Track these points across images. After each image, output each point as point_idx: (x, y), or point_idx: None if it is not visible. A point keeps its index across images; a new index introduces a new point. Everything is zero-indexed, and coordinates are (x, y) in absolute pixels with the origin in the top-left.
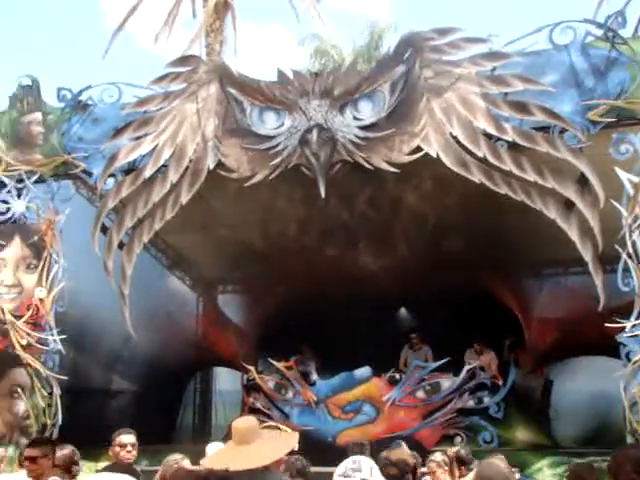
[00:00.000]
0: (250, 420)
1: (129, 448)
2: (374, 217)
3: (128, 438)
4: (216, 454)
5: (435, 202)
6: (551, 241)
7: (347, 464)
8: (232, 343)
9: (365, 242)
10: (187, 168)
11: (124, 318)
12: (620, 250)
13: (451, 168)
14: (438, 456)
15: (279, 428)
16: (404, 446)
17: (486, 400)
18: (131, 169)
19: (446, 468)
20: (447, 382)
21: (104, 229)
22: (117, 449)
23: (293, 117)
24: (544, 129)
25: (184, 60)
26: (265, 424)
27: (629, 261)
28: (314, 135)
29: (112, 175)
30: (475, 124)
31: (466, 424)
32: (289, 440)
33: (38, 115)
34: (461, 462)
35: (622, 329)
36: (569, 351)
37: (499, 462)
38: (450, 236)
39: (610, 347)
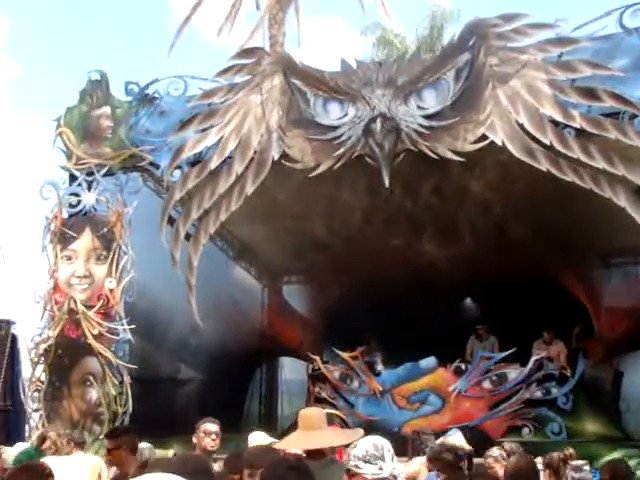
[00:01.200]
0: (317, 409)
1: (213, 437)
2: (439, 206)
3: (213, 427)
4: (287, 439)
5: (501, 191)
6: (620, 229)
7: (367, 447)
8: (297, 333)
9: (430, 231)
10: (252, 159)
11: (191, 308)
12: None
13: (517, 156)
14: (495, 451)
15: (343, 417)
16: (460, 434)
17: (554, 391)
18: (197, 161)
19: (504, 463)
20: (514, 373)
21: (171, 220)
22: (202, 435)
23: (357, 107)
24: (613, 115)
25: (248, 52)
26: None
27: None
28: (378, 125)
29: (178, 167)
30: (541, 111)
31: (534, 415)
32: (355, 432)
33: (107, 109)
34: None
35: None
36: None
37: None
38: (516, 225)
39: None
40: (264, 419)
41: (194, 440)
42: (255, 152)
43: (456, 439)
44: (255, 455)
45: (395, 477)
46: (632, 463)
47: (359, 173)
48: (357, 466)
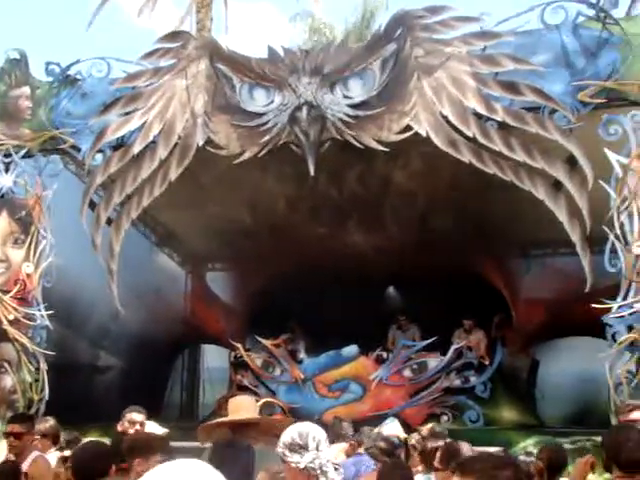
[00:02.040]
0: (249, 397)
1: (138, 427)
2: (363, 195)
3: (138, 416)
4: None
5: (424, 181)
6: (539, 222)
7: (293, 435)
8: (220, 320)
9: (354, 220)
10: (176, 144)
11: (112, 294)
12: (608, 231)
13: (440, 147)
14: (413, 438)
15: (278, 404)
16: (396, 422)
17: (473, 380)
18: (120, 145)
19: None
20: (434, 361)
21: (92, 205)
22: (126, 425)
23: (283, 94)
24: (534, 109)
25: (173, 36)
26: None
27: (616, 242)
28: (304, 113)
29: (100, 151)
30: (465, 103)
31: (452, 403)
32: (286, 421)
33: (26, 89)
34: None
35: (608, 310)
36: (556, 332)
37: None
38: (439, 215)
39: (596, 328)
40: (185, 407)
41: (119, 428)
42: (179, 137)
43: (392, 428)
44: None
45: (320, 467)
46: None
47: (285, 161)
48: (284, 454)
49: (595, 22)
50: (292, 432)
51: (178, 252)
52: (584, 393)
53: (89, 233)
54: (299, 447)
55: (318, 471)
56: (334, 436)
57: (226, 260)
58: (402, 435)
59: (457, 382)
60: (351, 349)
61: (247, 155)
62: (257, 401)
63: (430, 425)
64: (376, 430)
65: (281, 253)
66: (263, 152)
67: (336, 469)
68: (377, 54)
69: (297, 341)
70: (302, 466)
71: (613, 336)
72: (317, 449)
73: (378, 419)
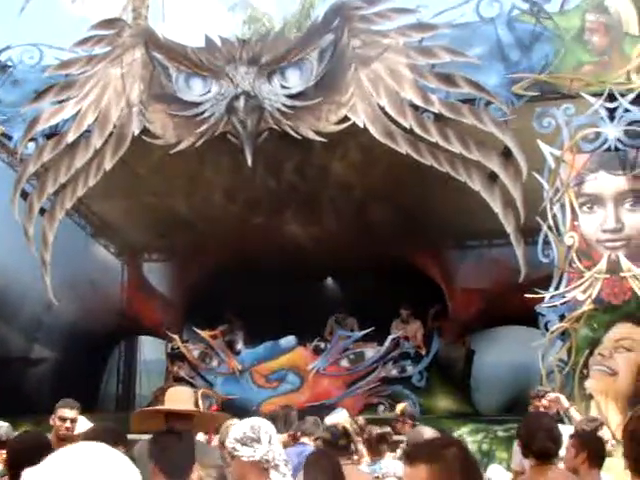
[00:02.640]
0: (186, 388)
1: (68, 424)
2: (301, 186)
3: (70, 413)
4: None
5: (362, 172)
6: (475, 213)
7: (245, 429)
8: (157, 312)
9: (292, 211)
10: (111, 134)
11: (45, 285)
12: (541, 222)
13: (378, 138)
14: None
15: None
16: (344, 412)
17: (409, 369)
18: (53, 133)
19: (358, 439)
20: (371, 351)
21: (24, 194)
22: (57, 422)
23: (220, 84)
24: (470, 101)
25: (108, 23)
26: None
27: (549, 233)
28: (241, 103)
29: (33, 139)
30: (402, 95)
31: (389, 393)
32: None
33: None
34: (411, 417)
35: (541, 300)
36: (491, 321)
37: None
38: (376, 207)
39: (530, 317)
40: (121, 399)
41: (51, 422)
42: (114, 126)
43: (334, 418)
44: None
45: (273, 460)
46: (479, 437)
47: (222, 151)
48: (234, 448)
49: (529, 16)
50: (243, 426)
51: (114, 243)
52: (517, 382)
53: (21, 223)
54: (251, 440)
55: (271, 464)
56: (287, 425)
57: (163, 251)
58: (342, 423)
59: (394, 372)
60: (289, 340)
61: (184, 145)
62: (194, 392)
63: (403, 405)
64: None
65: (218, 244)
66: (200, 142)
67: (286, 464)
68: (315, 44)
69: (235, 332)
70: (257, 458)
71: (545, 325)
72: (269, 442)
73: (316, 409)
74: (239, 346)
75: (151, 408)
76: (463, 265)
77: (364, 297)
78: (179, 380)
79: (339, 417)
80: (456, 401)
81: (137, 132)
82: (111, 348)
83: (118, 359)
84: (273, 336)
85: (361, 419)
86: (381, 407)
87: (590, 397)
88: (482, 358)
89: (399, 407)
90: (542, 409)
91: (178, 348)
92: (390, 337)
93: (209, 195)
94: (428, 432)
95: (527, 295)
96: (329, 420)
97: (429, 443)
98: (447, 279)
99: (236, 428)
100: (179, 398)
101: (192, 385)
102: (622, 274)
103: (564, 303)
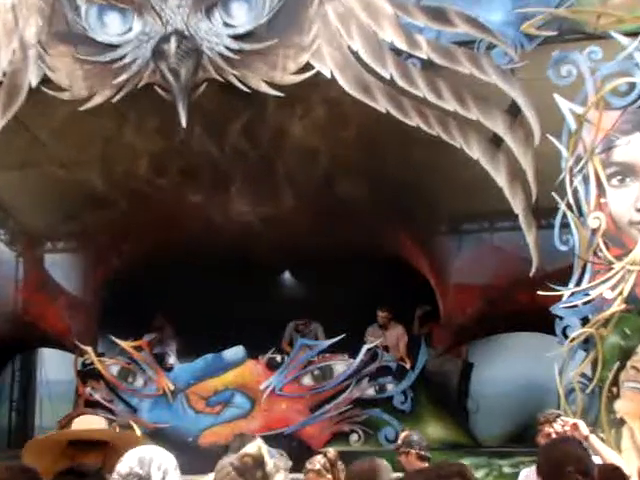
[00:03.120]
0: (98, 417)
1: None
2: (251, 154)
3: None
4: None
5: (329, 136)
6: (473, 188)
7: (132, 463)
8: (63, 317)
9: (239, 186)
10: (0, 83)
11: None
12: (558, 199)
13: (349, 92)
14: (317, 462)
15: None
16: (258, 441)
17: (390, 387)
18: None
19: (329, 477)
20: (341, 365)
21: None
22: None
23: (144, 20)
24: (467, 44)
25: None
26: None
27: (568, 213)
28: (172, 45)
29: None
30: (380, 36)
31: (364, 418)
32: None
33: None
34: (420, 447)
35: (558, 298)
36: (494, 326)
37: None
38: (347, 180)
39: (543, 321)
40: (16, 432)
41: None
42: (4, 74)
43: (249, 448)
44: None
45: None
46: (480, 474)
47: (147, 108)
48: None
49: None
50: (131, 459)
51: (5, 227)
52: (528, 403)
53: None
54: (140, 478)
55: None
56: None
57: (71, 238)
58: (252, 452)
59: (370, 391)
60: (236, 351)
61: (98, 100)
62: (111, 421)
63: (406, 433)
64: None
65: (143, 228)
66: (119, 96)
67: None
68: None
69: (166, 342)
70: None
71: (564, 331)
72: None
73: (271, 441)
74: (171, 360)
75: (50, 435)
76: (458, 255)
77: (332, 296)
78: (93, 405)
79: (253, 447)
80: (450, 428)
81: (35, 82)
82: (2, 365)
83: (11, 380)
84: (215, 347)
85: (331, 451)
86: (354, 437)
87: (621, 422)
88: (482, 373)
89: (402, 435)
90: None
91: (92, 364)
92: (365, 347)
93: (132, 165)
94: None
95: (540, 292)
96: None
97: (429, 471)
98: (438, 272)
99: (124, 460)
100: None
101: (110, 411)
102: None
103: (587, 302)
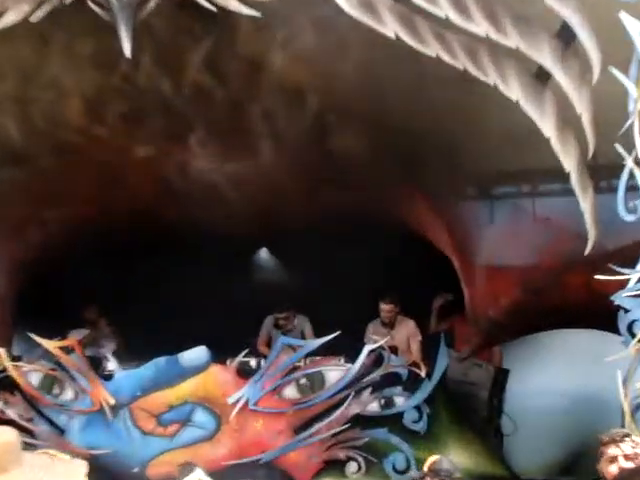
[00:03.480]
0: (6, 434)
1: None
2: (217, 93)
3: None
4: None
5: (321, 71)
6: (510, 139)
7: None
8: None
9: (202, 135)
10: None
11: None
12: (623, 153)
13: (347, 12)
14: None
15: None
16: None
17: (399, 401)
18: None
19: None
20: (336, 372)
21: None
22: None
23: None
24: None
25: None
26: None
27: (637, 171)
28: None
29: None
30: None
31: (366, 441)
32: (72, 472)
33: None
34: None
35: (622, 285)
36: (536, 321)
37: None
38: (344, 128)
39: (602, 314)
40: None
41: None
42: None
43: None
44: None
45: None
46: None
47: (78, 30)
48: None
49: None
50: None
51: None
52: (582, 422)
53: None
54: None
55: None
56: None
57: None
58: None
59: (374, 406)
60: (197, 354)
61: (10, 18)
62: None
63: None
64: None
65: (74, 192)
66: (40, 13)
67: None
68: None
69: (102, 342)
70: None
71: (630, 327)
72: None
73: (243, 471)
74: (111, 365)
75: None
76: (490, 227)
77: (321, 279)
78: (6, 423)
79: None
80: (479, 455)
81: None
82: None
83: None
84: (169, 348)
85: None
86: (352, 466)
87: None
88: (521, 383)
89: (429, 461)
90: (622, 461)
91: (4, 370)
92: (366, 348)
93: (60, 107)
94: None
95: (598, 277)
96: None
97: None
98: (463, 250)
99: None
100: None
101: (29, 433)
102: None
103: None
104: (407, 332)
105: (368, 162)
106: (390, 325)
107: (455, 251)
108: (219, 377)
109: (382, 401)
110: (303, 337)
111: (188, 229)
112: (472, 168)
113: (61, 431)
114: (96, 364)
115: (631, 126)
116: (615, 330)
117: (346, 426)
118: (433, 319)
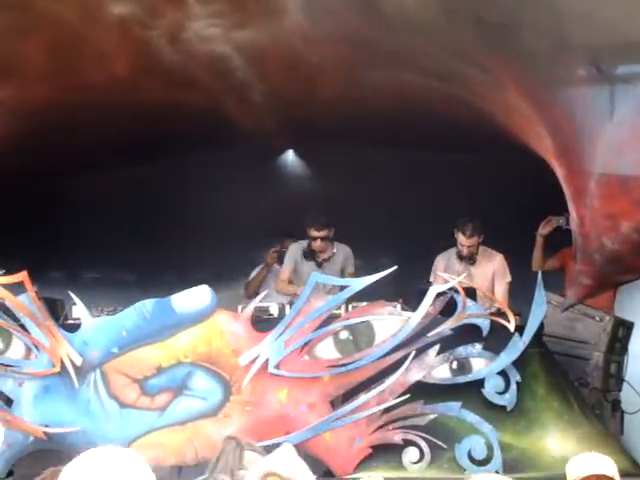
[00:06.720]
0: None
1: None
2: None
3: None
4: None
5: None
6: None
7: None
8: None
9: None
10: None
11: None
12: None
13: None
14: None
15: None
16: (291, 451)
17: (478, 365)
18: None
19: None
20: (389, 323)
21: None
22: None
23: None
24: None
25: None
26: None
27: None
28: None
29: None
30: None
31: (430, 420)
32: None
33: None
34: None
35: None
36: None
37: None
38: None
39: None
40: None
41: None
42: None
43: (278, 462)
44: None
45: None
46: None
47: None
48: None
49: None
50: None
51: None
52: None
53: None
54: None
55: None
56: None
57: None
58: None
59: (442, 371)
60: (197, 295)
61: None
62: None
63: None
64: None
65: (22, 70)
66: None
67: None
68: None
69: (64, 280)
70: None
71: None
72: None
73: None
74: (76, 311)
75: None
76: (608, 122)
77: (369, 197)
78: None
79: (286, 461)
80: (589, 441)
81: None
82: None
83: None
84: (158, 286)
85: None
86: (412, 453)
87: None
88: None
89: None
90: None
91: None
92: (432, 290)
93: None
94: None
95: None
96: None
97: None
98: (569, 154)
99: None
100: None
101: None
102: None
103: None
104: (493, 269)
105: (437, 29)
106: (470, 259)
107: (558, 156)
108: (227, 328)
109: (454, 364)
110: (342, 272)
111: (187, 120)
112: (581, 43)
113: (7, 401)
114: (56, 309)
115: None
116: None
117: (404, 398)
118: (537, 252)
